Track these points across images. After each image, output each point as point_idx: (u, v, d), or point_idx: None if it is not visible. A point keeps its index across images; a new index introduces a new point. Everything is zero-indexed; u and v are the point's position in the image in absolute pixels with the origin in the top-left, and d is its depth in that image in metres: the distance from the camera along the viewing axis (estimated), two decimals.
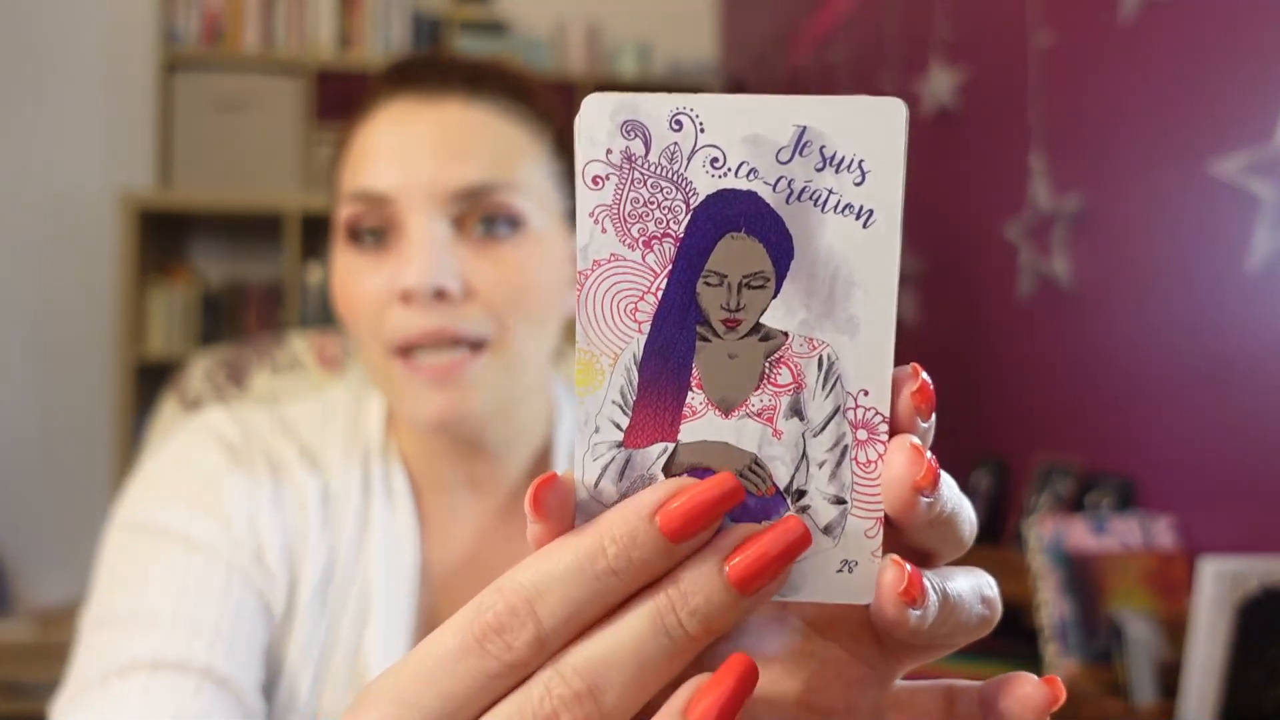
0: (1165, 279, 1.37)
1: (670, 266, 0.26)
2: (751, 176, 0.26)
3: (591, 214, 0.26)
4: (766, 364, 0.27)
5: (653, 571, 0.26)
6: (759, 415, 0.27)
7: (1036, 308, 1.68)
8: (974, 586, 0.29)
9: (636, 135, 0.26)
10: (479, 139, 0.65)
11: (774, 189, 0.26)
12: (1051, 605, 1.22)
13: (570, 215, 0.70)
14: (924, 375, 0.27)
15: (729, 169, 0.26)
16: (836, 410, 0.27)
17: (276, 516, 0.65)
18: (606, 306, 0.26)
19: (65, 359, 3.07)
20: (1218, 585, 1.02)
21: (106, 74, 3.13)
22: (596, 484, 0.27)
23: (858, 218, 0.26)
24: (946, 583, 0.28)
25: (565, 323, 0.70)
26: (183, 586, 0.60)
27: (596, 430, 0.27)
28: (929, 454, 0.26)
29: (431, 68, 0.68)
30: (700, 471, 0.27)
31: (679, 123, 0.26)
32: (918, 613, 0.26)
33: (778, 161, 0.26)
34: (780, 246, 0.26)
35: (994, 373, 1.83)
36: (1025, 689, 0.28)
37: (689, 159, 0.26)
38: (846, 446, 0.27)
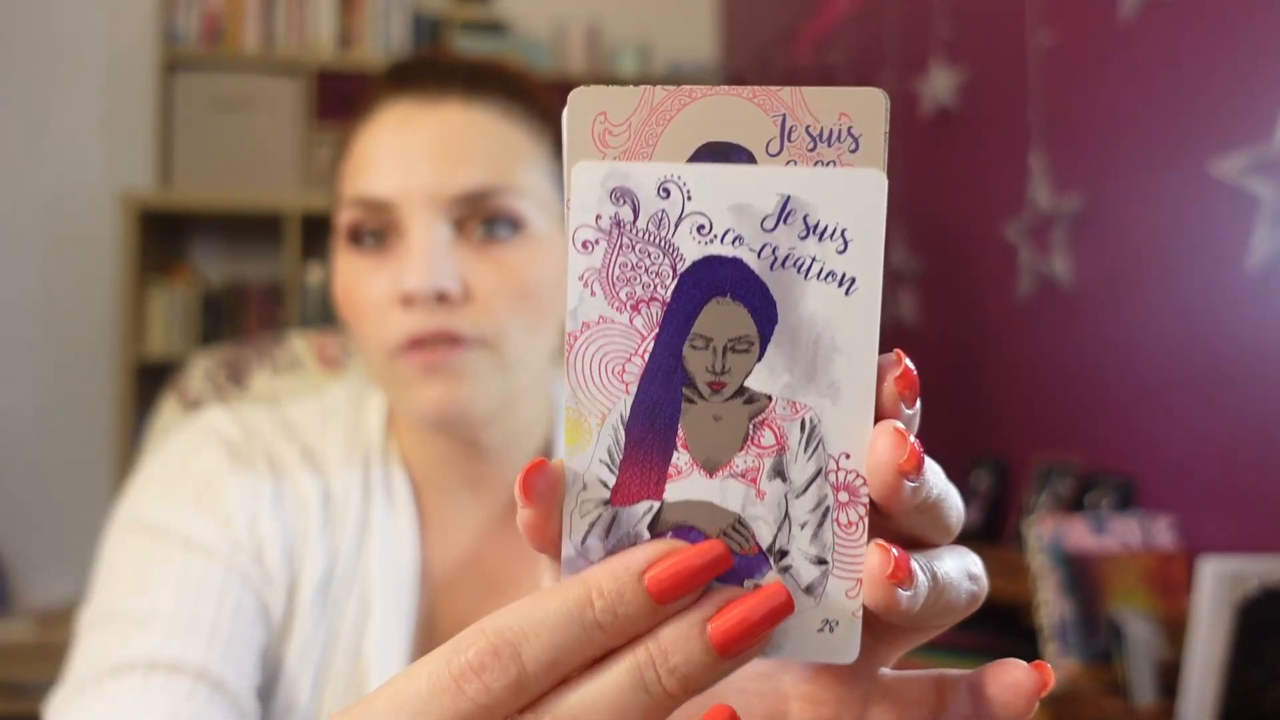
0: (1165, 279, 1.37)
1: (657, 330, 0.27)
2: (737, 243, 0.27)
3: (581, 277, 0.27)
4: (750, 426, 0.27)
5: (637, 628, 0.26)
6: (743, 476, 0.27)
7: (1036, 308, 1.68)
8: (961, 566, 0.29)
9: (625, 202, 0.27)
10: (479, 142, 0.65)
11: (759, 255, 0.27)
12: (1051, 605, 1.23)
13: None
14: (907, 361, 0.27)
15: (715, 235, 0.27)
16: (818, 472, 0.27)
17: (277, 517, 0.65)
18: (595, 368, 0.27)
19: (65, 359, 3.07)
20: (1218, 585, 1.02)
21: (106, 74, 3.13)
22: (584, 540, 0.28)
23: (840, 285, 0.27)
24: (934, 563, 0.28)
25: (564, 323, 0.70)
26: (181, 587, 0.60)
27: (584, 488, 0.28)
28: (913, 438, 0.27)
29: (431, 69, 0.68)
30: (685, 530, 0.28)
31: (667, 190, 0.27)
32: (908, 594, 0.27)
33: (762, 229, 0.27)
34: (764, 312, 0.27)
35: (994, 373, 1.83)
36: (1015, 675, 0.28)
37: (676, 225, 0.27)
38: (828, 508, 0.27)
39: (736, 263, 0.27)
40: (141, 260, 2.87)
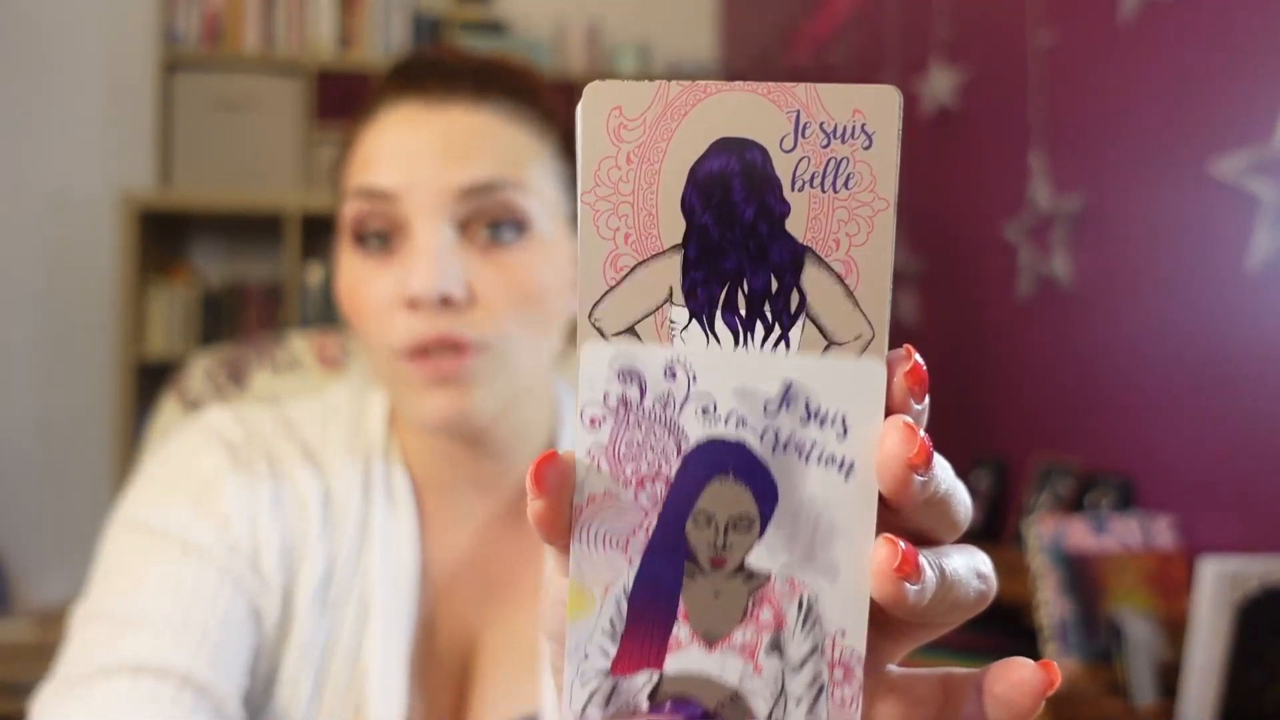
0: (1165, 279, 1.37)
1: (661, 506, 0.28)
2: (740, 425, 0.28)
3: (589, 453, 0.28)
4: (750, 601, 0.28)
5: None
6: (741, 650, 0.28)
7: (1036, 308, 1.68)
8: (969, 564, 0.30)
9: (633, 382, 0.28)
10: (484, 141, 0.65)
11: (761, 438, 0.28)
12: (1051, 605, 1.23)
13: (573, 218, 0.70)
14: (917, 357, 0.28)
15: (719, 417, 0.28)
16: (814, 649, 0.28)
17: (276, 518, 0.65)
18: (599, 540, 0.28)
19: (65, 359, 3.07)
20: (1218, 585, 1.02)
21: (106, 74, 3.13)
22: (584, 710, 0.28)
23: (840, 469, 0.27)
24: (942, 560, 0.28)
25: (568, 324, 0.70)
26: (174, 590, 0.60)
27: (586, 657, 0.28)
28: (922, 433, 0.27)
29: (436, 70, 0.68)
30: (683, 702, 0.28)
31: (673, 372, 0.28)
32: (915, 588, 0.27)
33: (765, 413, 0.27)
34: (765, 493, 0.28)
35: (994, 373, 1.83)
36: (1022, 673, 0.28)
37: (681, 406, 0.28)
38: (823, 685, 0.28)
39: (739, 447, 0.28)
40: (141, 260, 2.87)
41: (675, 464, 0.28)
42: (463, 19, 3.32)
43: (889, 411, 0.28)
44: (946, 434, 1.94)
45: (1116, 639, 1.17)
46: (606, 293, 0.28)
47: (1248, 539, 1.20)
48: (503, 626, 0.70)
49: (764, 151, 0.27)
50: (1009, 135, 1.73)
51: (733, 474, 0.28)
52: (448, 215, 0.64)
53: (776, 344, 0.28)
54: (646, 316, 0.28)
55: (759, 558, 0.28)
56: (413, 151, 0.64)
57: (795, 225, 0.27)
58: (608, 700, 0.28)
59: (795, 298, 0.28)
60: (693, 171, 0.27)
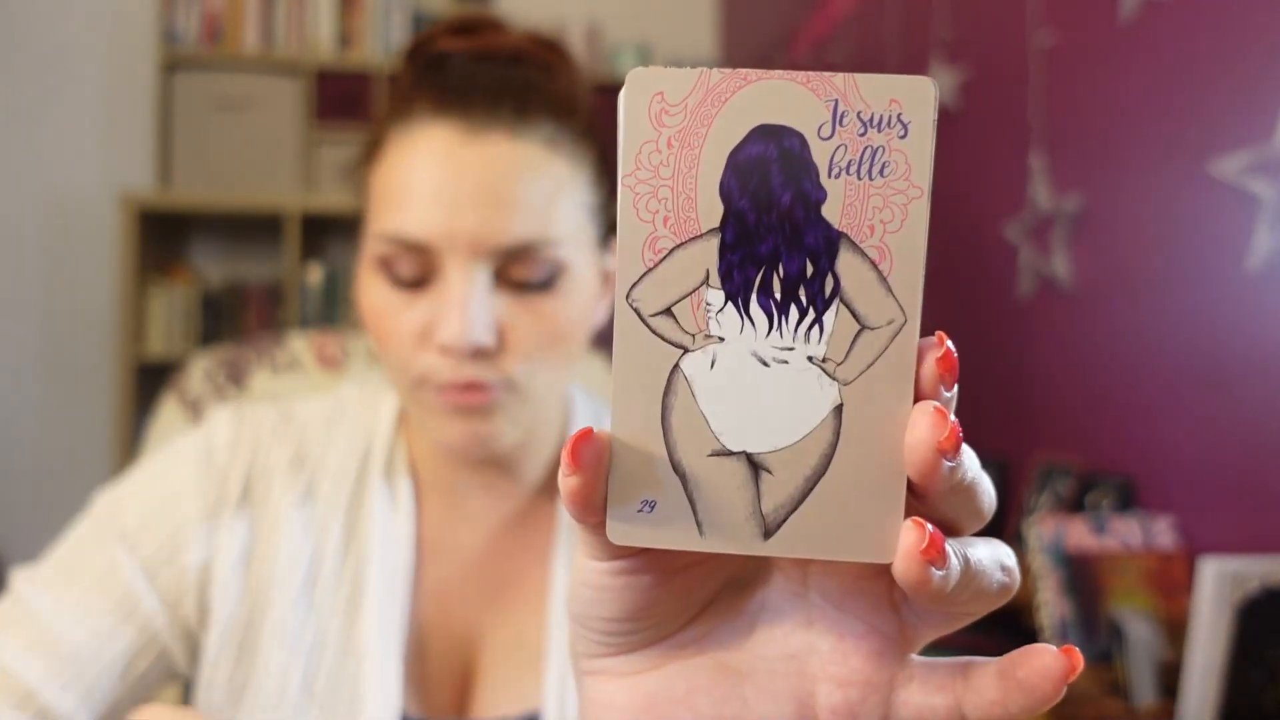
0: (1165, 279, 1.37)
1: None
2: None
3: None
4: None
5: None
6: None
7: (1036, 308, 1.68)
8: (994, 555, 0.30)
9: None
10: (523, 185, 0.63)
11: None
12: (1051, 605, 1.22)
13: (601, 240, 0.69)
14: (949, 343, 0.28)
15: None
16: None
17: (238, 521, 0.67)
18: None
19: (65, 359, 3.07)
20: (1218, 585, 1.02)
21: (106, 74, 3.13)
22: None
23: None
24: (967, 549, 0.28)
25: (586, 341, 0.70)
26: (93, 623, 0.63)
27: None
28: (953, 418, 0.27)
29: (478, 85, 0.65)
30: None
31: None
32: (940, 573, 0.27)
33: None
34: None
35: (993, 373, 1.83)
36: (1044, 658, 0.29)
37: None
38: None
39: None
40: (141, 260, 2.87)
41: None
42: None
43: (919, 397, 0.28)
44: None
45: (1117, 639, 1.17)
46: (645, 274, 0.28)
47: (1248, 539, 1.20)
48: (506, 626, 0.70)
49: (802, 139, 0.28)
50: (1009, 135, 1.73)
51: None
52: (483, 263, 0.62)
53: (810, 327, 0.28)
54: (683, 298, 0.28)
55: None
56: (450, 194, 0.62)
57: (831, 211, 0.28)
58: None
59: (829, 282, 0.28)
60: (732, 157, 0.28)
